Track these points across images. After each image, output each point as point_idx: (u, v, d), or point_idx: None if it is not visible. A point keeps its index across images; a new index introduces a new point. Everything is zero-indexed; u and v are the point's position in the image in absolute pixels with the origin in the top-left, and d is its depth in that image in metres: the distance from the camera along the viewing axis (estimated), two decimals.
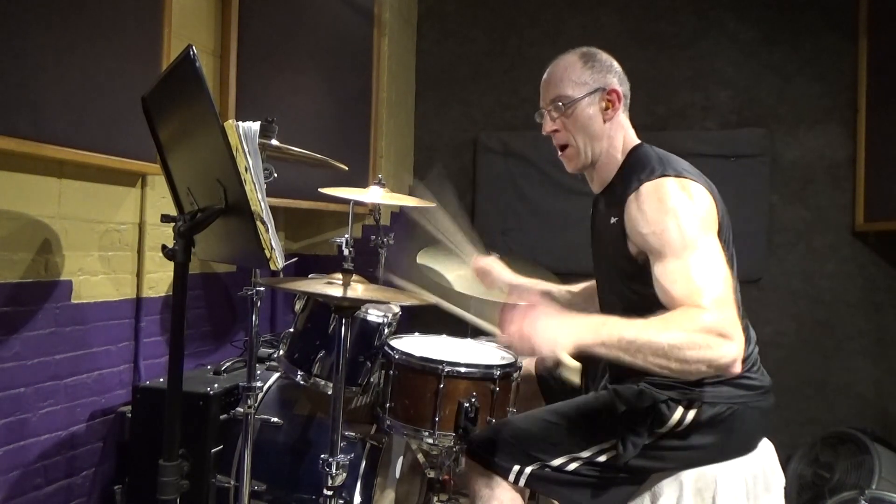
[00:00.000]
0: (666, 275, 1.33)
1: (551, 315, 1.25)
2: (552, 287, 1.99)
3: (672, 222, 1.36)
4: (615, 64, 1.62)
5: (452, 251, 2.06)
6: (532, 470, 1.49)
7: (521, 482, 1.50)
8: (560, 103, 1.58)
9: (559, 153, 1.66)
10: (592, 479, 1.47)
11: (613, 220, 1.51)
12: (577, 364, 1.27)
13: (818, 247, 3.38)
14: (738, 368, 1.21)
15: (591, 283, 1.86)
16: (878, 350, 3.28)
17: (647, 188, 1.43)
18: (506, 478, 1.51)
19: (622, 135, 1.60)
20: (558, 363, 1.27)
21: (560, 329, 1.23)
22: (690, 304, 1.24)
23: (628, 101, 1.62)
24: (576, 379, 1.30)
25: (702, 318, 1.20)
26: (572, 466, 1.48)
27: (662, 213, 1.38)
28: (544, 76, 1.64)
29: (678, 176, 1.43)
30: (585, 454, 1.48)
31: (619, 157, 1.59)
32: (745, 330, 1.53)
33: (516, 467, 1.50)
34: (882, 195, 3.12)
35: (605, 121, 1.57)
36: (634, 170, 1.51)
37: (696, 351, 1.17)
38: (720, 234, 1.43)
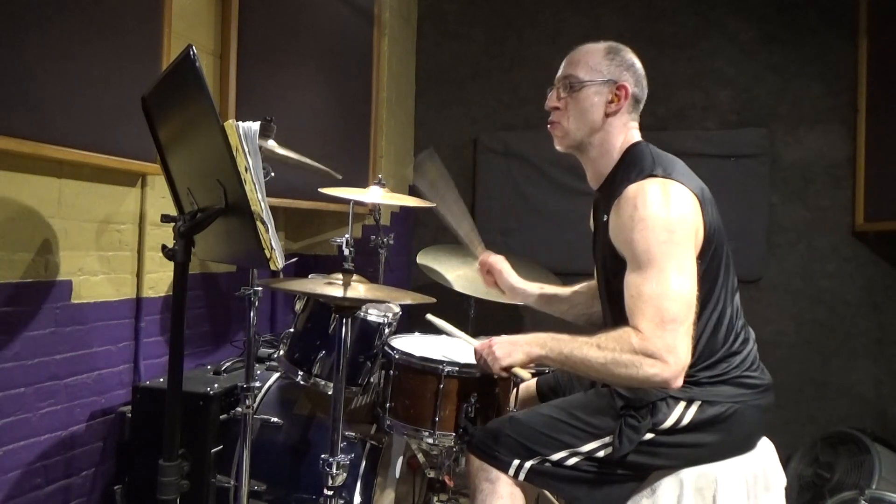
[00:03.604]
0: (626, 284, 1.41)
1: (507, 339, 1.52)
2: (553, 290, 1.98)
3: (640, 234, 1.38)
4: (638, 65, 1.61)
5: (460, 240, 2.04)
6: (532, 464, 1.50)
7: (521, 476, 1.50)
8: (569, 82, 1.58)
9: (548, 126, 1.66)
10: (592, 474, 1.48)
11: (605, 217, 1.52)
12: (528, 374, 1.61)
13: (818, 247, 3.38)
14: (675, 384, 1.33)
15: (591, 282, 1.88)
16: (878, 350, 3.28)
17: (630, 191, 1.43)
18: (506, 472, 1.51)
19: (622, 135, 1.58)
20: (513, 370, 1.54)
21: (516, 343, 1.50)
22: (632, 320, 1.36)
23: (640, 106, 1.62)
24: (526, 376, 1.63)
25: (631, 340, 1.34)
26: (572, 461, 1.48)
27: (635, 221, 1.40)
28: (569, 54, 1.64)
29: (665, 177, 1.43)
30: (585, 449, 1.48)
31: (616, 156, 1.58)
32: (743, 329, 1.55)
33: (516, 461, 1.50)
34: (882, 195, 3.12)
35: (606, 114, 1.57)
36: (628, 169, 1.52)
37: (623, 369, 1.34)
38: (708, 236, 1.44)
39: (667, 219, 1.38)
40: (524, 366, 1.53)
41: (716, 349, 1.48)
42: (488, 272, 2.01)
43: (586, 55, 1.59)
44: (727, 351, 1.49)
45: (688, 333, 1.33)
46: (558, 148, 1.67)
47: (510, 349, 1.49)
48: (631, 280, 1.39)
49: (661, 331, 1.31)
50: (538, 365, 1.81)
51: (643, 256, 1.37)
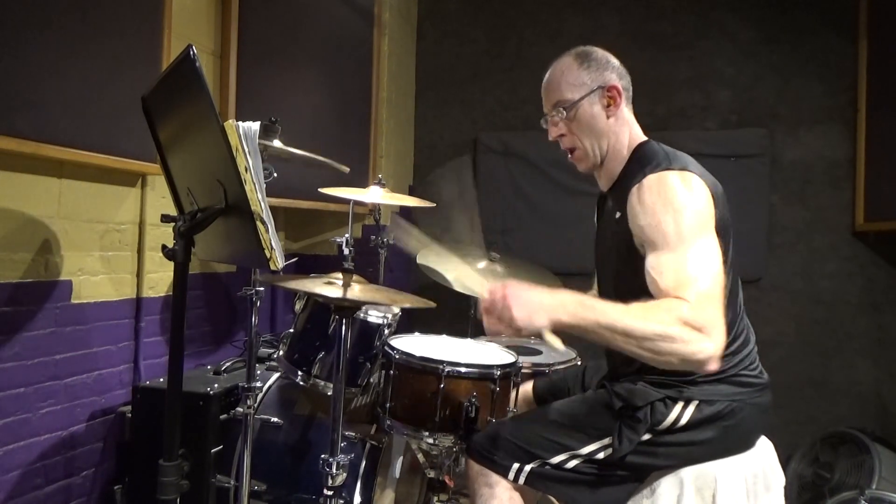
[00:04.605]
0: (657, 266, 1.34)
1: (532, 290, 1.27)
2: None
3: (670, 216, 1.36)
4: (612, 59, 1.61)
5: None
6: (532, 468, 1.49)
7: (521, 480, 1.50)
8: (561, 108, 1.58)
9: (569, 156, 1.66)
10: (592, 476, 1.47)
11: (618, 214, 1.51)
12: (556, 339, 1.28)
13: (818, 247, 3.38)
14: (713, 366, 1.22)
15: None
16: (878, 350, 3.28)
17: (650, 180, 1.43)
18: (505, 476, 1.51)
19: (627, 130, 1.59)
20: (540, 335, 1.28)
21: (539, 304, 1.25)
22: (675, 295, 1.25)
23: (630, 94, 1.62)
24: (559, 346, 1.30)
25: (682, 310, 1.21)
26: (572, 464, 1.48)
27: (662, 205, 1.38)
28: (543, 82, 1.64)
29: (682, 170, 1.43)
30: (584, 451, 1.48)
31: (625, 153, 1.58)
32: (744, 328, 1.54)
33: (516, 465, 1.50)
34: (882, 195, 3.12)
35: (608, 117, 1.57)
36: (640, 164, 1.51)
37: (669, 343, 1.19)
38: (719, 232, 1.43)
39: (694, 205, 1.37)
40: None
41: None
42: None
43: (563, 75, 1.59)
44: (727, 350, 1.48)
45: (724, 315, 1.25)
46: (583, 170, 1.67)
47: (531, 310, 1.24)
48: (662, 259, 1.33)
49: (709, 304, 1.23)
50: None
51: (674, 236, 1.34)
